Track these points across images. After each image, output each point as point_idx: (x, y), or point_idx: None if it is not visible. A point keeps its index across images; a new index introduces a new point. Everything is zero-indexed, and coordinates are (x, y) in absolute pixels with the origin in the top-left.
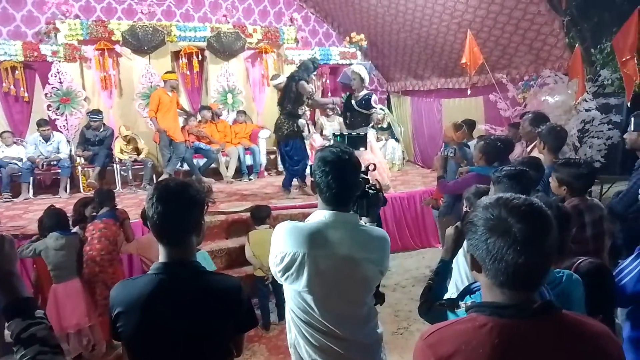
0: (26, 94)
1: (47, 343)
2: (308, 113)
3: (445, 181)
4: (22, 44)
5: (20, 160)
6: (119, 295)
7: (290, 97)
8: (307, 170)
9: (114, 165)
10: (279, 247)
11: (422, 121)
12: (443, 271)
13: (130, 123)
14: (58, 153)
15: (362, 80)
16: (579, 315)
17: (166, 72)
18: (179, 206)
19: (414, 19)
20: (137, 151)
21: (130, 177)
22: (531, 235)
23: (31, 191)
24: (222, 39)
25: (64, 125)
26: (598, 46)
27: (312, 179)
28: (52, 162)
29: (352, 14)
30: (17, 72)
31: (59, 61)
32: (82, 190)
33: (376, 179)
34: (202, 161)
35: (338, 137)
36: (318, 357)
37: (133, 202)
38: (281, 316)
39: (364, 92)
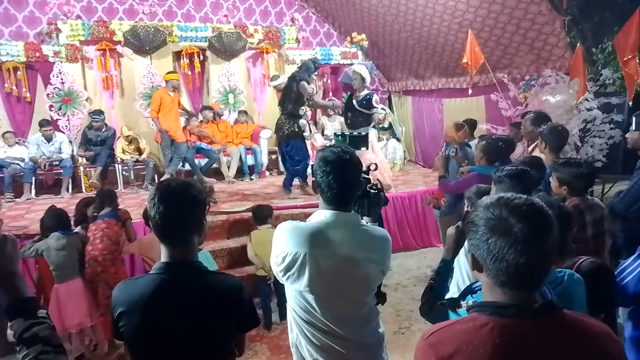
0: (28, 95)
1: (50, 343)
2: (309, 113)
3: (447, 181)
4: (24, 44)
5: (23, 160)
6: (121, 295)
7: (291, 97)
8: (309, 170)
9: (116, 165)
10: (280, 246)
11: (423, 121)
12: (444, 271)
13: (132, 123)
14: (60, 153)
15: (363, 80)
16: (580, 314)
17: (168, 73)
18: (181, 206)
19: (414, 19)
20: (139, 151)
21: (132, 177)
22: (532, 235)
23: (33, 191)
24: (224, 39)
25: (65, 126)
26: (599, 45)
27: (313, 179)
28: (54, 163)
29: (353, 14)
30: (19, 72)
31: (61, 61)
32: (84, 190)
33: (377, 179)
34: (203, 161)
35: (339, 136)
36: (319, 357)
37: (135, 202)
38: (283, 316)
39: (365, 92)
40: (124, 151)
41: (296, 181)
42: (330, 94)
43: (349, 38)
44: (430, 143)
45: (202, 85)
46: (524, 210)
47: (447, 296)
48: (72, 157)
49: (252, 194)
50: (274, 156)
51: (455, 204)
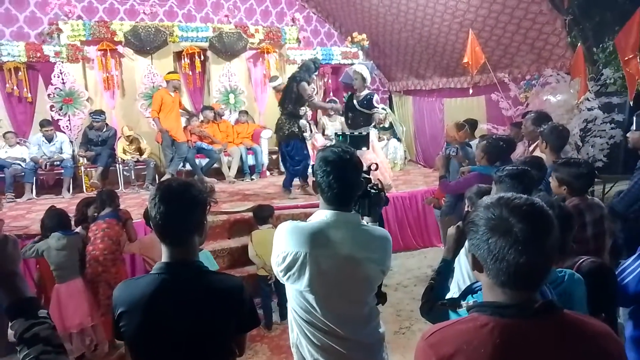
0: (29, 95)
1: (50, 342)
2: (310, 113)
3: (447, 181)
4: (25, 44)
5: (24, 160)
6: (121, 295)
7: (292, 97)
8: (309, 170)
9: (117, 165)
10: (280, 246)
11: (423, 121)
12: (445, 271)
13: (133, 123)
14: (61, 153)
15: (363, 80)
16: (581, 314)
17: (168, 73)
18: (182, 206)
19: (415, 19)
20: (140, 151)
21: (133, 177)
22: (532, 235)
23: (34, 191)
24: (224, 39)
25: (66, 126)
26: (600, 45)
27: (314, 179)
28: (55, 163)
29: (354, 13)
30: (20, 72)
31: (62, 62)
32: (84, 190)
33: (378, 179)
34: (204, 161)
35: (340, 136)
36: (320, 357)
37: (136, 202)
38: (283, 316)
39: (366, 91)
40: (124, 151)
41: (296, 181)
42: (331, 93)
43: (349, 38)
44: (431, 143)
45: (203, 86)
46: (524, 210)
47: (448, 296)
48: (73, 157)
49: (252, 194)
50: (274, 156)
51: (456, 203)
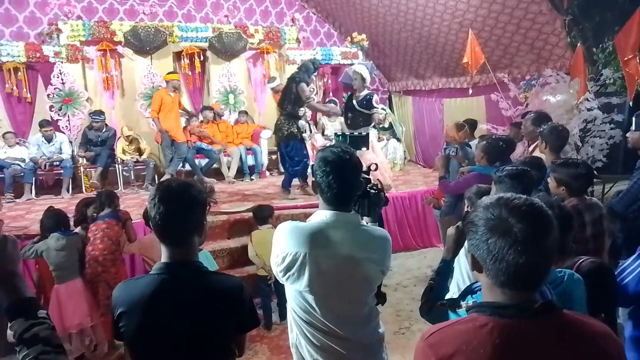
0: (29, 95)
1: (50, 343)
2: (309, 113)
3: (447, 181)
4: (25, 45)
5: (23, 160)
6: (121, 295)
7: (291, 98)
8: (309, 170)
9: (116, 165)
10: (280, 247)
11: (423, 121)
12: (444, 271)
13: (133, 123)
14: (60, 154)
15: (363, 80)
16: (580, 315)
17: (168, 73)
18: (181, 206)
19: (415, 19)
20: (139, 152)
21: (133, 178)
22: (532, 235)
23: (34, 192)
24: (224, 39)
25: (66, 126)
26: (600, 45)
27: (313, 179)
28: (54, 163)
29: (354, 14)
30: (19, 73)
31: (62, 62)
32: (84, 190)
33: (378, 179)
34: (204, 161)
35: (340, 136)
36: (319, 357)
37: (135, 202)
38: (283, 316)
39: (365, 92)
40: (124, 151)
41: (296, 181)
42: (331, 94)
43: (349, 38)
44: (430, 143)
45: (203, 86)
46: (523, 210)
47: (447, 296)
48: (73, 157)
49: (252, 194)
50: (274, 156)
51: (456, 204)
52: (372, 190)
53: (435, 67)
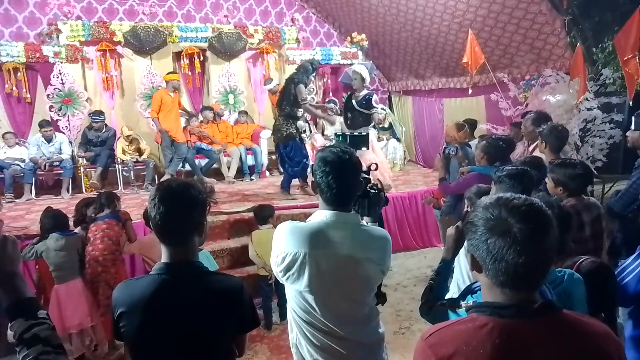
0: (28, 95)
1: (50, 343)
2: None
3: (447, 182)
4: (24, 45)
5: (23, 161)
6: (121, 295)
7: (289, 99)
8: (308, 170)
9: (116, 165)
10: (280, 247)
11: (423, 121)
12: (444, 271)
13: (132, 124)
14: (60, 154)
15: (363, 80)
16: (580, 314)
17: (168, 73)
18: (181, 207)
19: (415, 19)
20: (139, 152)
21: (133, 178)
22: (531, 236)
23: (33, 192)
24: (224, 39)
25: (66, 126)
26: (600, 45)
27: (313, 179)
28: (54, 163)
29: (354, 14)
30: (19, 73)
31: (61, 62)
32: (84, 191)
33: (378, 179)
34: (203, 161)
35: (340, 136)
36: (320, 357)
37: (135, 202)
38: (283, 316)
39: (365, 92)
40: (124, 152)
41: (296, 181)
42: (330, 94)
43: (349, 38)
44: (430, 143)
45: (202, 86)
46: (523, 210)
47: (447, 296)
48: (72, 157)
49: (252, 194)
50: (274, 156)
51: (456, 204)
52: (372, 190)
53: (435, 67)
